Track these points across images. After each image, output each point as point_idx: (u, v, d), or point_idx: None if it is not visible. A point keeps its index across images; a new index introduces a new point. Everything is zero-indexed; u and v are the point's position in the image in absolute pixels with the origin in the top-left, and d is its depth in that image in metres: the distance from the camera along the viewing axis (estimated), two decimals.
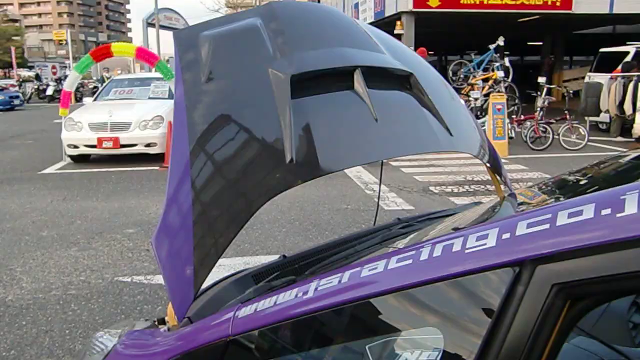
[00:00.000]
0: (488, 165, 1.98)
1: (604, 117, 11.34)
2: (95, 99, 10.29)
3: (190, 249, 1.16)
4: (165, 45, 26.27)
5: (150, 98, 9.84)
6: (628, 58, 11.58)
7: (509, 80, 11.18)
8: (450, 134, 1.75)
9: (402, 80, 1.68)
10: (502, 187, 1.87)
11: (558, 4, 13.55)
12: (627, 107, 10.34)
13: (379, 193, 2.52)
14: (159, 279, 3.93)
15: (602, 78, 11.40)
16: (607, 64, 12.03)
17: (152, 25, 26.12)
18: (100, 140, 8.60)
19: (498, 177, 2.03)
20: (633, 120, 9.94)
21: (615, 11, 14.22)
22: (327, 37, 1.56)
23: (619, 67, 11.28)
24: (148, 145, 8.67)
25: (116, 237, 5.02)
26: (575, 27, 20.00)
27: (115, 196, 6.64)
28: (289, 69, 1.33)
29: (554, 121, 9.76)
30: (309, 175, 1.26)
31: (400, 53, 1.76)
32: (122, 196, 6.63)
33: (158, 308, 3.46)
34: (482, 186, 6.77)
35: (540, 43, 23.14)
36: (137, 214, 5.76)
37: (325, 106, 1.41)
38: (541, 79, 10.81)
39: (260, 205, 1.18)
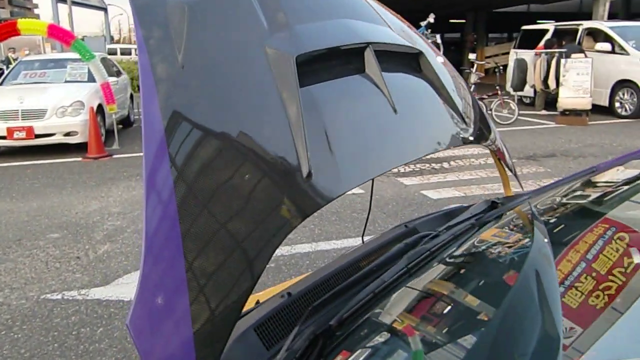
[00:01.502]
0: (498, 158, 1.78)
1: (528, 92, 11.73)
2: (1, 84, 9.25)
3: (190, 333, 0.80)
4: (80, 24, 24.40)
5: (67, 81, 8.96)
6: (548, 35, 11.98)
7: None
8: (466, 124, 1.53)
9: (410, 61, 1.42)
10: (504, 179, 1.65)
11: None
12: (551, 81, 10.71)
13: (370, 204, 2.17)
14: (97, 293, 3.48)
15: (526, 55, 11.73)
16: (530, 40, 12.44)
17: (64, 0, 24.16)
18: (10, 130, 7.72)
19: (507, 171, 1.83)
20: (557, 95, 10.30)
21: None
22: (329, 5, 1.26)
23: (542, 44, 11.65)
24: (68, 134, 7.90)
25: (38, 244, 4.42)
26: (496, 5, 20.55)
27: (32, 195, 5.93)
28: (291, 47, 1.01)
29: (486, 97, 9.94)
30: (332, 194, 0.97)
31: (400, 27, 1.49)
32: (41, 194, 5.93)
33: (99, 330, 3.00)
34: (437, 164, 6.68)
35: (463, 21, 23.66)
36: (61, 215, 5.15)
37: (337, 96, 1.13)
38: (472, 56, 11.01)
39: (273, 252, 0.87)
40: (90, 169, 7.06)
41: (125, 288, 3.53)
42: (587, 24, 11.47)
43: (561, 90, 10.10)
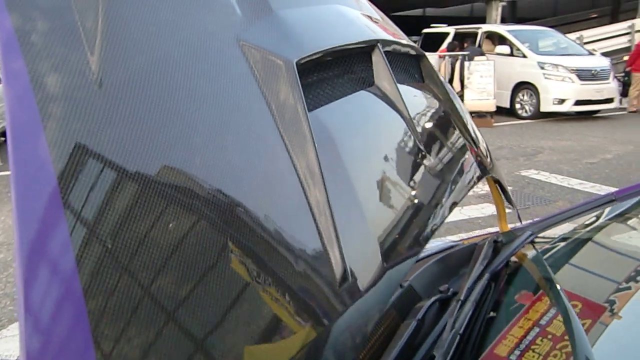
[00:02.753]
0: (499, 187, 1.44)
1: None
2: None
3: None
4: None
5: None
6: (449, 39, 12.28)
7: None
8: (478, 151, 1.18)
9: (412, 66, 1.05)
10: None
11: None
12: (456, 84, 10.94)
13: None
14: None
15: (429, 57, 11.93)
16: (431, 44, 12.68)
17: None
18: None
19: (504, 198, 1.50)
20: (462, 97, 10.52)
21: None
22: None
23: (444, 47, 11.91)
24: None
25: None
26: (394, 8, 21.12)
27: None
28: (286, 46, 0.66)
29: None
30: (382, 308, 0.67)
31: (386, 20, 1.12)
32: None
33: None
34: None
35: None
36: None
37: (349, 126, 0.71)
38: None
39: None
40: None
41: (11, 343, 2.83)
42: (485, 27, 11.89)
43: (466, 92, 10.32)
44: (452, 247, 1.56)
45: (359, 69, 0.82)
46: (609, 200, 1.45)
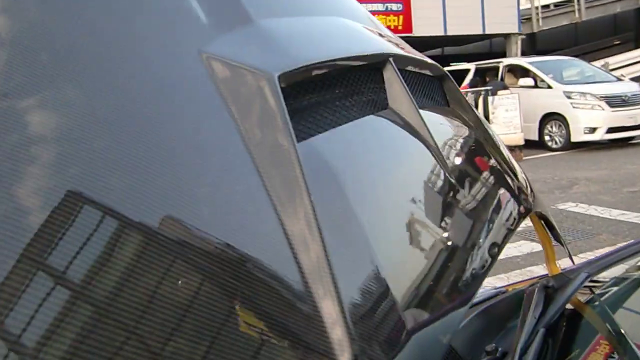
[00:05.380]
0: (544, 225, 1.26)
1: None
2: None
3: None
4: None
5: None
6: (470, 75, 12.21)
7: None
8: (519, 188, 1.02)
9: (434, 88, 0.90)
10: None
11: (400, 27, 14.05)
12: None
13: None
14: None
15: None
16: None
17: None
18: None
19: (551, 236, 1.32)
20: None
21: (448, 33, 15.25)
22: None
23: (466, 84, 11.83)
24: None
25: None
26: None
27: None
28: (266, 57, 0.52)
29: None
30: None
31: (398, 39, 0.99)
32: None
33: None
34: None
35: None
36: None
37: (357, 157, 0.62)
38: None
39: None
40: None
41: None
42: (506, 61, 11.80)
43: (492, 127, 10.13)
44: (494, 295, 1.36)
45: (368, 88, 0.67)
46: None
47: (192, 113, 0.42)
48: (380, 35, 0.83)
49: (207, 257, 0.37)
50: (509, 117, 9.96)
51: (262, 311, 0.37)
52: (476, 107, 11.14)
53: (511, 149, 9.85)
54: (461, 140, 0.91)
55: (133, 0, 0.47)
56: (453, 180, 0.72)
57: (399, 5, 14.53)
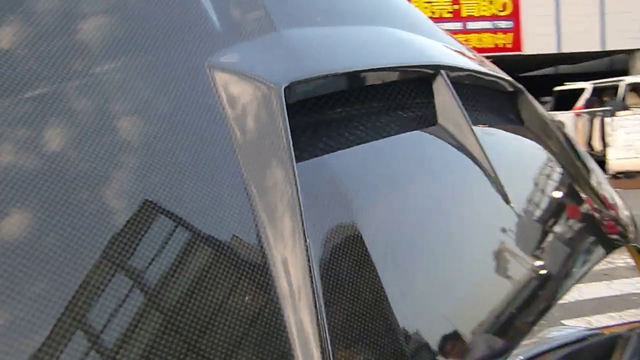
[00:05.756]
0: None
1: None
2: None
3: None
4: None
5: None
6: (587, 95, 11.43)
7: None
8: (613, 215, 0.91)
9: (504, 104, 0.81)
10: None
11: (509, 45, 13.50)
12: (596, 143, 10.05)
13: None
14: None
15: (564, 117, 11.14)
16: (565, 102, 11.88)
17: None
18: None
19: None
20: (604, 156, 9.56)
21: (562, 50, 14.39)
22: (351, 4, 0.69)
23: (581, 104, 11.11)
24: None
25: None
26: (523, 69, 20.47)
27: None
28: (273, 68, 0.47)
29: None
30: None
31: (466, 50, 0.91)
32: None
33: None
34: None
35: None
36: None
37: (385, 179, 0.55)
38: None
39: None
40: None
41: None
42: (629, 79, 10.92)
43: (609, 151, 9.37)
44: (585, 337, 1.21)
45: (414, 103, 0.61)
46: None
47: (188, 125, 0.39)
48: (446, 46, 0.76)
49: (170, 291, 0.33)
50: (629, 139, 9.15)
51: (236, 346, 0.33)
52: (591, 128, 10.36)
53: (631, 175, 9.01)
54: (533, 164, 0.81)
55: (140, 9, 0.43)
56: (514, 210, 0.63)
57: (508, 22, 13.98)
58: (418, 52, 0.63)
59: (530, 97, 0.88)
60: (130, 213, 0.33)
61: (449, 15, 13.45)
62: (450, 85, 0.62)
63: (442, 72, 0.62)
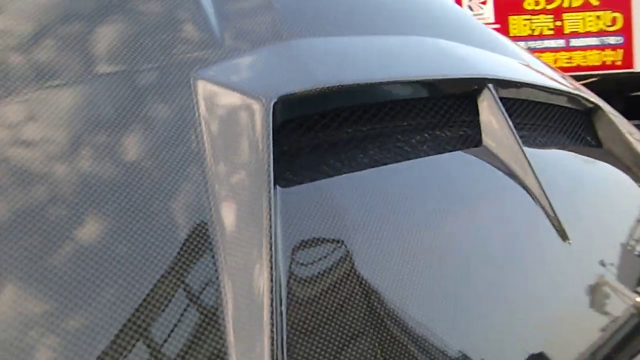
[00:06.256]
0: None
1: None
2: None
3: None
4: None
5: None
6: None
7: None
8: None
9: (577, 123, 0.74)
10: None
11: (619, 63, 12.65)
12: None
13: None
14: None
15: None
16: None
17: None
18: None
19: None
20: None
21: None
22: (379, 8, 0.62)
23: None
24: None
25: None
26: (635, 88, 19.39)
27: None
28: (267, 81, 0.41)
29: None
30: None
31: (528, 59, 0.82)
32: None
33: None
34: None
35: None
36: None
37: (413, 206, 0.46)
38: None
39: None
40: None
41: None
42: None
43: None
44: None
45: (455, 121, 0.55)
46: None
47: (157, 142, 0.36)
48: (502, 57, 0.68)
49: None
50: None
51: None
52: None
53: None
54: (608, 192, 0.73)
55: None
56: (571, 246, 0.54)
57: (618, 38, 13.10)
58: (458, 64, 0.58)
59: (613, 114, 0.77)
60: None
61: (550, 32, 12.90)
62: (498, 100, 0.56)
63: (490, 86, 0.56)
